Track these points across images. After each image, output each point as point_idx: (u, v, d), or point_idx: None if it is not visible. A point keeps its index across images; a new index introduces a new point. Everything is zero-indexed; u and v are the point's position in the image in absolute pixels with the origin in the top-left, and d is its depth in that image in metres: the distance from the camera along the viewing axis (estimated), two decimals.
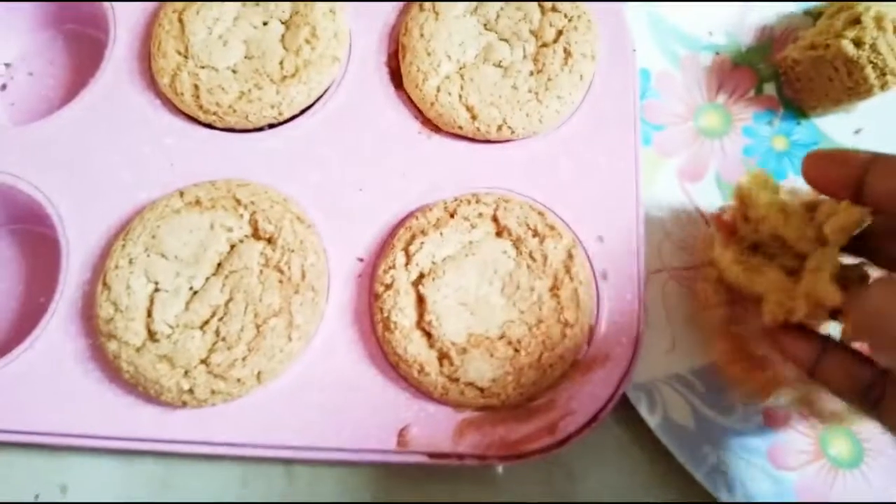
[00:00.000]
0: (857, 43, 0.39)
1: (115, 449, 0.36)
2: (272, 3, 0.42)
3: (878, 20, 0.38)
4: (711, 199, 0.42)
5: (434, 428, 0.35)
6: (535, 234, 0.37)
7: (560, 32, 0.40)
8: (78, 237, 0.39)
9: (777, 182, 0.34)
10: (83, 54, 0.47)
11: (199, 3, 0.42)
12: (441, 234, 0.37)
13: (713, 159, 0.43)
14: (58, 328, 0.37)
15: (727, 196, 0.42)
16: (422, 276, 0.36)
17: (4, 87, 0.47)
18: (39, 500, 0.38)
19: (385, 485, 0.38)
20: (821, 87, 0.42)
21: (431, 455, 0.35)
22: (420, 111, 0.41)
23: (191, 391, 0.34)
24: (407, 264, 0.37)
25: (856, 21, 0.39)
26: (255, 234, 0.37)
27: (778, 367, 0.35)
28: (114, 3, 0.44)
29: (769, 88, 0.45)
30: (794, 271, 0.32)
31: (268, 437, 0.35)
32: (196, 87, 0.40)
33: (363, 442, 0.35)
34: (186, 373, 0.35)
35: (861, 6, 0.40)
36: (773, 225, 0.32)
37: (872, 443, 0.37)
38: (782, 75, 0.45)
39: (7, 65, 0.47)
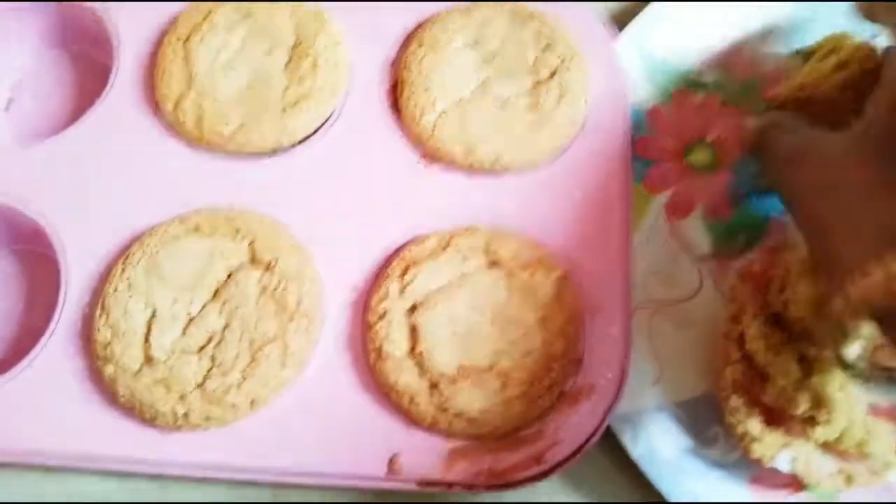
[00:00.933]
0: (843, 87, 0.40)
1: (110, 470, 0.37)
2: (276, 33, 0.43)
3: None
4: (698, 234, 0.43)
5: (424, 456, 0.36)
6: (527, 266, 0.38)
7: (554, 72, 0.41)
8: (77, 259, 0.40)
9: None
10: (88, 75, 0.48)
11: (204, 31, 0.43)
12: (435, 264, 0.38)
13: (700, 196, 0.44)
14: (56, 348, 0.38)
15: (712, 231, 0.43)
16: (415, 306, 0.37)
17: (8, 107, 0.48)
18: None
19: None
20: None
21: (421, 483, 0.35)
22: (418, 144, 0.42)
23: (186, 416, 0.35)
24: (401, 294, 0.38)
25: (844, 65, 0.40)
26: (253, 262, 0.38)
27: (789, 427, 0.36)
28: (119, 29, 0.45)
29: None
30: (807, 361, 0.34)
31: (260, 461, 0.36)
32: (199, 114, 0.41)
33: (354, 468, 0.36)
34: (182, 397, 0.35)
35: (850, 48, 0.41)
36: (803, 317, 0.34)
37: None
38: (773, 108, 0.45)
39: (11, 85, 0.48)
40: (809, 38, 0.47)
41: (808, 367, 0.35)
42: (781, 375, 0.34)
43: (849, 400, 0.34)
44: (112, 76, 0.44)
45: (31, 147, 0.43)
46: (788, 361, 0.35)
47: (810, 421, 0.34)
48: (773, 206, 0.44)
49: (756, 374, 0.36)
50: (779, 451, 0.35)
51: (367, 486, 0.36)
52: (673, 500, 0.37)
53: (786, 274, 0.36)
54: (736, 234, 0.43)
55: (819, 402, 0.33)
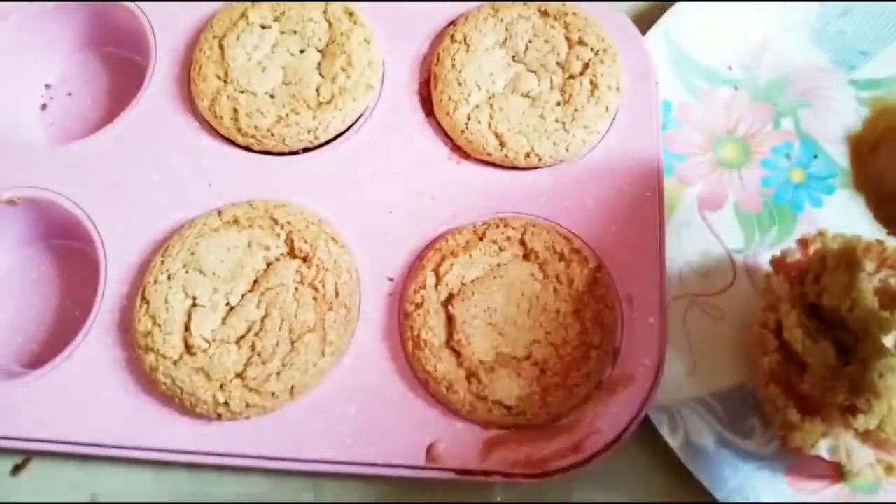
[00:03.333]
0: None
1: (149, 460, 0.37)
2: (309, 32, 0.44)
3: None
4: (730, 227, 0.43)
5: (462, 445, 0.36)
6: (562, 258, 0.38)
7: (586, 65, 0.42)
8: (116, 253, 0.40)
9: (861, 257, 0.35)
10: (121, 76, 0.49)
11: (239, 29, 0.44)
12: (470, 256, 0.38)
13: (731, 189, 0.44)
14: (96, 340, 0.38)
15: (744, 224, 0.43)
16: (451, 296, 0.38)
17: (44, 106, 0.49)
18: None
19: (411, 500, 0.38)
20: None
21: (459, 472, 0.35)
22: (450, 138, 0.42)
23: (226, 404, 0.35)
24: (437, 285, 0.38)
25: None
26: (291, 253, 0.38)
27: (827, 415, 0.35)
28: (155, 28, 0.46)
29: (787, 122, 0.46)
30: (845, 348, 0.34)
31: (300, 451, 0.36)
32: (235, 110, 0.42)
33: (392, 457, 0.36)
34: (222, 386, 0.36)
35: None
36: (840, 305, 0.34)
37: None
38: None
39: (47, 85, 0.49)
40: (839, 36, 0.48)
41: (846, 355, 0.35)
42: (819, 364, 0.34)
43: (889, 387, 0.34)
44: (148, 74, 0.45)
45: (69, 144, 0.43)
46: (826, 350, 0.35)
47: (850, 409, 0.34)
48: (802, 199, 0.44)
49: (793, 364, 0.36)
50: (818, 439, 0.35)
51: (406, 476, 0.36)
52: (713, 491, 0.36)
53: (821, 264, 0.36)
54: (768, 227, 0.43)
55: (858, 389, 0.33)
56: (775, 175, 0.45)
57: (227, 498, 0.39)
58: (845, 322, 0.35)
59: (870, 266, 0.35)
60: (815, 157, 0.45)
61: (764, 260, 0.41)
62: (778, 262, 0.39)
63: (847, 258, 0.36)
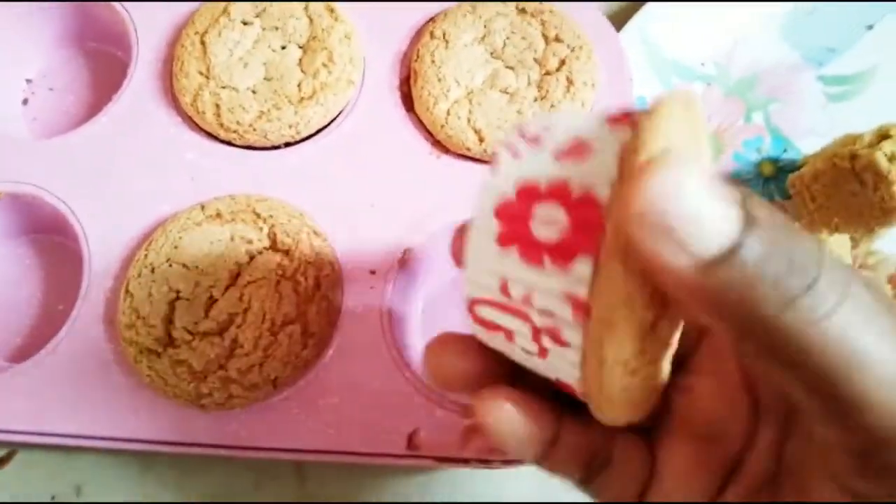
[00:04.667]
0: (890, 158, 0.38)
1: (133, 451, 0.37)
2: (290, 28, 0.44)
3: None
4: None
5: (441, 432, 0.37)
6: None
7: (563, 62, 0.43)
8: (100, 247, 0.41)
9: None
10: (103, 72, 0.49)
11: (221, 25, 0.44)
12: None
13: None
14: (80, 333, 0.39)
15: None
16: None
17: (26, 101, 0.49)
18: (55, 501, 0.40)
19: (390, 486, 0.39)
20: (841, 203, 0.41)
21: (439, 458, 0.36)
22: (430, 133, 0.43)
23: (209, 395, 0.36)
24: None
25: (885, 136, 0.39)
26: (274, 246, 0.39)
27: None
28: (137, 25, 0.46)
29: (757, 117, 0.48)
30: None
31: (283, 440, 0.37)
32: (217, 105, 0.42)
33: (374, 445, 0.37)
34: (205, 378, 0.36)
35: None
36: None
37: None
38: (794, 196, 0.45)
39: (28, 80, 0.49)
40: (808, 34, 0.49)
41: None
42: None
43: None
44: (130, 70, 0.45)
45: (52, 139, 0.44)
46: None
47: None
48: (772, 192, 0.46)
49: None
50: None
51: (388, 463, 0.37)
52: None
53: None
54: None
55: None
56: (746, 168, 0.46)
57: (212, 489, 0.40)
58: None
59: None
60: (785, 150, 0.47)
61: None
62: None
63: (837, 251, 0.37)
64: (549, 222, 0.18)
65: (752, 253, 0.15)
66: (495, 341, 0.22)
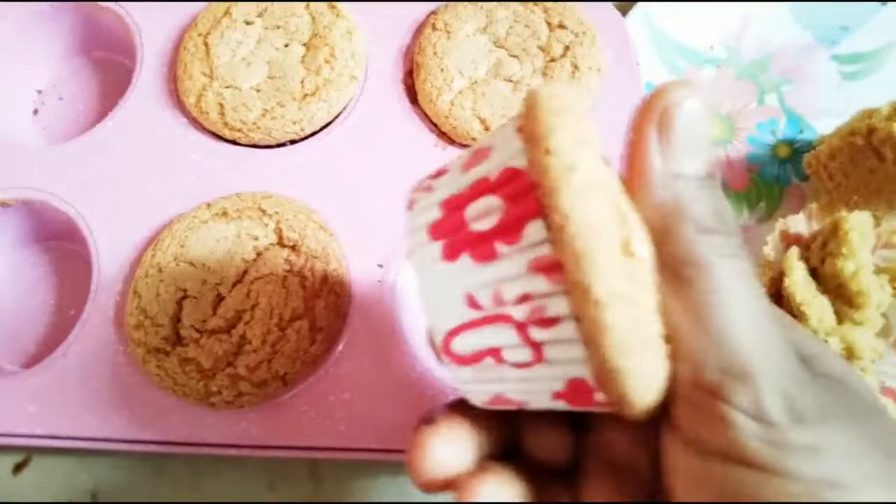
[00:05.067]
0: None
1: (146, 453, 0.37)
2: (293, 26, 0.44)
3: None
4: None
5: None
6: None
7: (567, 48, 0.42)
8: (109, 249, 0.41)
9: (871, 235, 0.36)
10: (111, 80, 0.50)
11: (224, 26, 0.44)
12: None
13: (718, 167, 0.45)
14: (90, 336, 0.39)
15: (732, 201, 0.43)
16: None
17: (36, 112, 0.49)
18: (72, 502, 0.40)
19: (411, 485, 0.39)
20: (860, 180, 0.40)
21: None
22: (435, 125, 0.43)
23: (219, 393, 0.36)
24: None
25: None
26: (280, 243, 0.39)
27: None
28: (142, 29, 0.46)
29: (770, 99, 0.47)
30: (837, 312, 0.35)
31: (294, 438, 0.36)
32: (221, 105, 0.42)
33: (388, 441, 0.36)
34: (214, 375, 0.36)
35: None
36: (845, 268, 0.34)
37: None
38: (811, 176, 0.44)
39: (39, 91, 0.50)
40: (820, 12, 0.48)
41: (840, 319, 0.35)
42: (817, 319, 0.34)
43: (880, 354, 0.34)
44: (136, 74, 0.45)
45: (60, 145, 0.44)
46: (824, 308, 0.34)
47: None
48: (789, 174, 0.44)
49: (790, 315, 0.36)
50: None
51: (402, 459, 0.36)
52: None
53: (832, 230, 0.36)
54: (755, 203, 0.43)
55: (851, 351, 0.33)
56: (761, 151, 0.45)
57: (226, 490, 0.39)
58: (843, 290, 0.35)
59: (869, 242, 0.35)
60: (801, 131, 0.45)
61: (752, 236, 0.42)
62: (784, 233, 0.39)
63: (857, 233, 0.36)
64: (484, 213, 0.19)
65: (703, 188, 0.19)
66: (484, 385, 0.20)
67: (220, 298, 0.37)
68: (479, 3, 0.44)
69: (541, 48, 0.43)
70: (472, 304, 0.19)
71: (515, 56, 0.43)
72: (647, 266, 0.18)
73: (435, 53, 0.43)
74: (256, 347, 0.36)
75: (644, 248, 0.18)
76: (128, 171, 0.43)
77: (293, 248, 0.38)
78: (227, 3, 0.45)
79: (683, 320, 0.18)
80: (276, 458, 0.37)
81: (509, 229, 0.18)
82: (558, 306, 0.18)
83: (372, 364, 0.37)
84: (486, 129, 0.41)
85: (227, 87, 0.43)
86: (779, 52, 0.48)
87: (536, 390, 0.20)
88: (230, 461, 0.40)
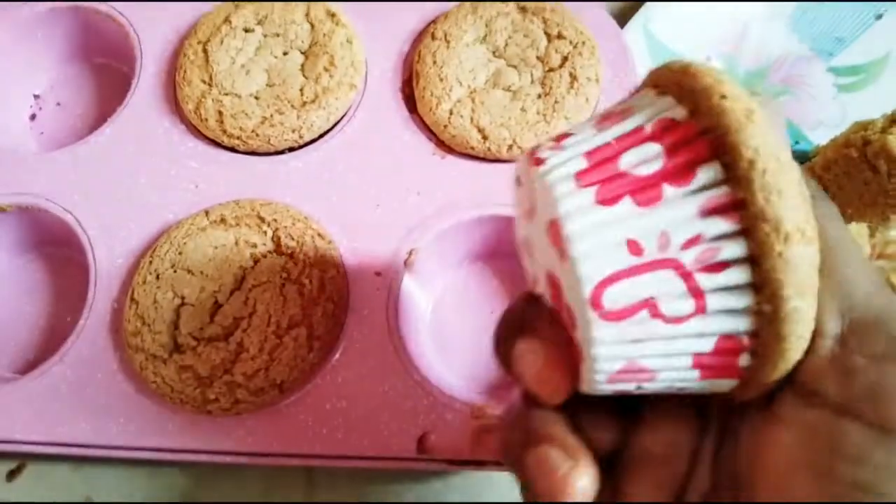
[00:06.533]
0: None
1: (142, 460, 0.37)
2: (292, 34, 0.44)
3: None
4: None
5: (452, 434, 0.36)
6: None
7: (566, 58, 0.42)
8: (106, 256, 0.41)
9: None
10: (110, 86, 0.50)
11: (223, 33, 0.44)
12: None
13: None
14: (86, 342, 0.39)
15: None
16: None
17: (34, 117, 0.49)
18: None
19: (404, 492, 0.39)
20: (854, 192, 0.40)
21: (450, 462, 0.36)
22: (434, 133, 0.43)
23: (216, 400, 0.36)
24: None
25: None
26: (278, 250, 0.39)
27: None
28: (140, 36, 0.46)
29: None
30: None
31: (291, 446, 0.36)
32: (220, 112, 0.42)
33: (384, 449, 0.36)
34: (211, 383, 0.36)
35: None
36: None
37: None
38: None
39: (36, 96, 0.50)
40: (816, 24, 0.48)
41: None
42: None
43: None
44: (135, 80, 0.45)
45: (58, 151, 0.44)
46: None
47: None
48: None
49: None
50: None
51: (398, 467, 0.36)
52: None
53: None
54: None
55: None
56: None
57: (222, 496, 0.39)
58: None
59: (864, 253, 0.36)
60: (797, 142, 0.46)
61: None
62: None
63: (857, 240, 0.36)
64: (645, 160, 0.18)
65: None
66: (623, 348, 0.19)
67: (217, 306, 0.37)
68: (479, 13, 0.44)
69: (539, 58, 0.43)
70: (635, 249, 0.18)
71: (514, 66, 0.43)
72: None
73: (434, 62, 0.43)
74: (254, 355, 0.36)
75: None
76: (126, 178, 0.43)
77: (291, 255, 0.38)
78: (227, 11, 0.45)
79: None
80: (272, 465, 0.37)
81: (678, 173, 0.18)
82: (732, 249, 0.18)
83: (369, 372, 0.37)
84: (485, 138, 0.41)
85: (226, 94, 0.43)
86: (776, 62, 0.49)
87: (679, 352, 0.19)
88: (226, 468, 0.39)
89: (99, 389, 0.38)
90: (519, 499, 0.23)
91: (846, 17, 0.49)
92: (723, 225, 0.18)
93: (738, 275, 0.18)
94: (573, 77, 0.42)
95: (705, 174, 0.18)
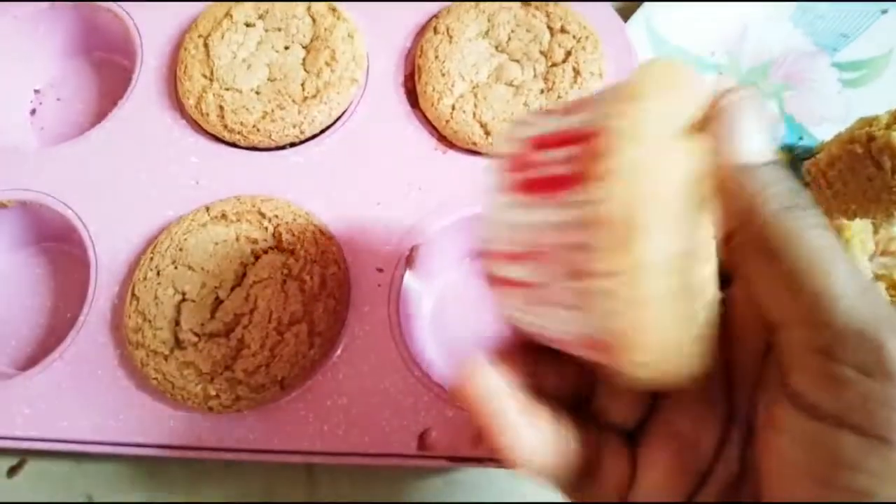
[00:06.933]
0: None
1: (143, 456, 0.37)
2: (293, 29, 0.44)
3: None
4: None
5: (453, 432, 0.36)
6: None
7: (569, 53, 0.42)
8: (107, 252, 0.40)
9: None
10: (110, 80, 0.50)
11: (224, 28, 0.44)
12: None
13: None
14: (87, 338, 0.39)
15: None
16: None
17: (34, 112, 0.49)
18: None
19: (406, 489, 0.38)
20: (858, 188, 0.40)
21: (451, 458, 0.36)
22: (435, 129, 0.42)
23: (217, 397, 0.36)
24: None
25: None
26: (279, 246, 0.38)
27: None
28: (141, 30, 0.46)
29: (771, 106, 0.47)
30: None
31: (292, 442, 0.36)
32: (221, 107, 0.42)
33: (385, 446, 0.36)
34: (212, 379, 0.36)
35: None
36: None
37: None
38: (810, 184, 0.43)
39: (37, 90, 0.50)
40: (820, 19, 0.48)
41: None
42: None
43: None
44: (135, 75, 0.45)
45: (58, 146, 0.44)
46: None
47: None
48: None
49: None
50: None
51: (399, 464, 0.36)
52: None
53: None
54: None
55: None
56: None
57: (223, 493, 0.39)
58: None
59: (868, 250, 0.35)
60: (801, 138, 0.45)
61: None
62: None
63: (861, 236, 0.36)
64: (561, 161, 0.20)
65: (776, 171, 0.19)
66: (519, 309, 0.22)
67: (218, 302, 0.37)
68: (481, 8, 0.44)
69: (542, 53, 0.43)
70: (516, 238, 0.21)
71: (517, 60, 0.43)
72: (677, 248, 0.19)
73: (436, 57, 0.43)
74: (255, 351, 0.36)
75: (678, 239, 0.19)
76: (126, 173, 0.42)
77: (292, 251, 0.38)
78: (228, 5, 0.45)
79: (781, 290, 0.19)
80: (273, 462, 0.37)
81: (573, 181, 0.19)
82: (594, 262, 0.18)
83: (370, 369, 0.37)
84: (487, 133, 0.41)
85: (227, 89, 0.43)
86: (779, 58, 0.48)
87: (565, 330, 0.21)
88: (227, 465, 0.39)
89: (100, 386, 0.38)
90: (519, 498, 0.23)
91: (851, 12, 0.48)
92: (589, 239, 0.18)
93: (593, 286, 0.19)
94: (576, 72, 0.42)
95: (593, 189, 0.18)
